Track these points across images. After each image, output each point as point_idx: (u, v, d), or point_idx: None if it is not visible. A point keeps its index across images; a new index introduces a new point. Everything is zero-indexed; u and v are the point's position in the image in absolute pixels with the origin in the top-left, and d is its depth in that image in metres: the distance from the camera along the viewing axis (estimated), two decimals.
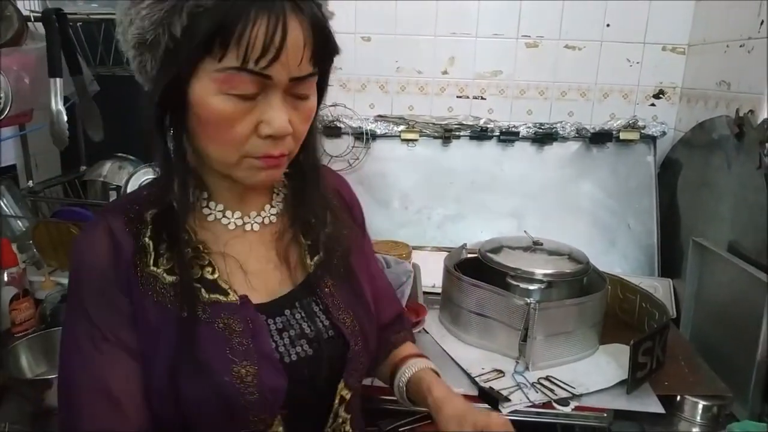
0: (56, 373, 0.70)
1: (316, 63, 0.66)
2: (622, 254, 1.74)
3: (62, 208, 1.66)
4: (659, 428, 1.08)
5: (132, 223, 0.70)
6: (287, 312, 0.75)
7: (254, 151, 0.66)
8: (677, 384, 1.15)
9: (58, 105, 1.42)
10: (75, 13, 1.54)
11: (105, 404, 0.65)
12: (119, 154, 1.74)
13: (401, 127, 1.83)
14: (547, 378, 1.17)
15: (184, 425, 0.67)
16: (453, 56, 1.82)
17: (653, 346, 1.14)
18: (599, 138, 1.77)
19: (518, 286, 1.26)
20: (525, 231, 1.46)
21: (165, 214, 0.70)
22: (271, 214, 0.79)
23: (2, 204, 1.63)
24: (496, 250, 1.38)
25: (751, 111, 1.33)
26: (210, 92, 0.62)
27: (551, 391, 1.13)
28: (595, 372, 1.19)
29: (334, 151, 1.85)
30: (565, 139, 1.80)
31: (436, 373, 0.91)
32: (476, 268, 1.35)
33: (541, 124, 1.80)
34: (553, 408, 1.09)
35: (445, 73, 1.84)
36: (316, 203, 0.80)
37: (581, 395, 1.12)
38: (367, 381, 1.01)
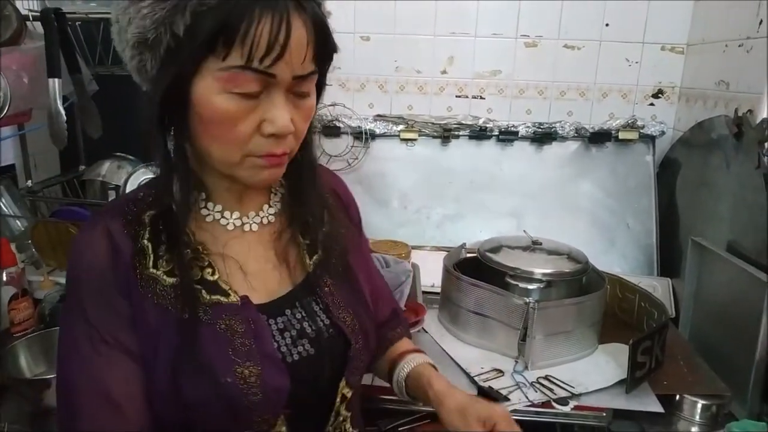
0: (55, 373, 0.70)
1: (317, 62, 0.66)
2: (621, 254, 1.74)
3: (61, 207, 1.66)
4: (658, 427, 1.08)
5: (130, 225, 0.69)
6: (288, 312, 0.75)
7: (257, 150, 0.66)
8: (676, 383, 1.16)
9: (56, 104, 1.42)
10: (74, 13, 1.54)
11: (104, 406, 0.65)
12: (118, 154, 1.74)
13: (400, 127, 1.83)
14: (546, 377, 1.17)
15: (187, 427, 0.67)
16: (452, 56, 1.82)
17: (652, 346, 1.14)
18: (598, 137, 1.77)
19: (517, 285, 1.26)
20: (524, 230, 1.46)
21: (163, 216, 0.69)
22: (270, 214, 0.78)
23: (1, 204, 1.63)
24: (496, 249, 1.38)
25: (750, 111, 1.33)
26: (213, 91, 0.62)
27: (550, 390, 1.13)
28: (594, 371, 1.20)
29: (333, 150, 1.85)
30: (564, 138, 1.80)
31: (434, 368, 0.92)
32: (475, 268, 1.35)
33: (540, 123, 1.80)
34: (553, 407, 1.09)
35: (444, 72, 1.84)
36: (314, 202, 0.80)
37: (580, 395, 1.12)
38: (366, 381, 1.01)
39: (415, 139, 1.84)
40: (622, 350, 1.18)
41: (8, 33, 1.41)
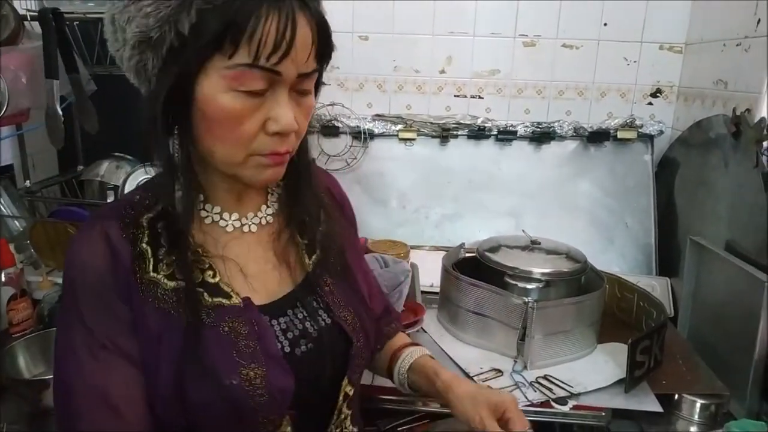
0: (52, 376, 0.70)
1: (318, 60, 0.66)
2: (619, 253, 1.74)
3: (59, 207, 1.65)
4: (657, 427, 1.08)
5: (128, 229, 0.68)
6: (289, 312, 0.75)
7: (261, 149, 0.66)
8: (675, 383, 1.16)
9: (54, 104, 1.42)
10: (72, 12, 1.54)
11: (104, 410, 0.64)
12: (116, 154, 1.74)
13: (399, 127, 1.83)
14: (545, 377, 1.17)
15: (190, 430, 0.67)
16: (450, 55, 1.82)
17: (651, 345, 1.14)
18: (597, 137, 1.77)
19: (516, 285, 1.26)
20: (523, 230, 1.46)
21: (162, 219, 0.69)
22: (268, 215, 0.78)
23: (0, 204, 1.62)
24: (494, 249, 1.38)
25: (748, 110, 1.33)
26: (219, 89, 0.62)
27: (549, 390, 1.13)
28: (593, 371, 1.20)
29: (331, 150, 1.84)
30: (562, 138, 1.80)
31: (433, 359, 0.93)
32: (474, 268, 1.35)
33: (538, 123, 1.80)
34: (552, 407, 1.09)
35: (442, 72, 1.84)
36: (311, 202, 0.80)
37: (579, 394, 1.12)
38: (366, 380, 1.01)
39: (413, 139, 1.84)
40: (621, 350, 1.18)
41: (6, 33, 1.41)
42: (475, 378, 1.16)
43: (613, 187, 1.77)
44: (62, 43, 1.45)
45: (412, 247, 1.66)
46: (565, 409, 1.09)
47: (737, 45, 1.43)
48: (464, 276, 1.30)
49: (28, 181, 1.71)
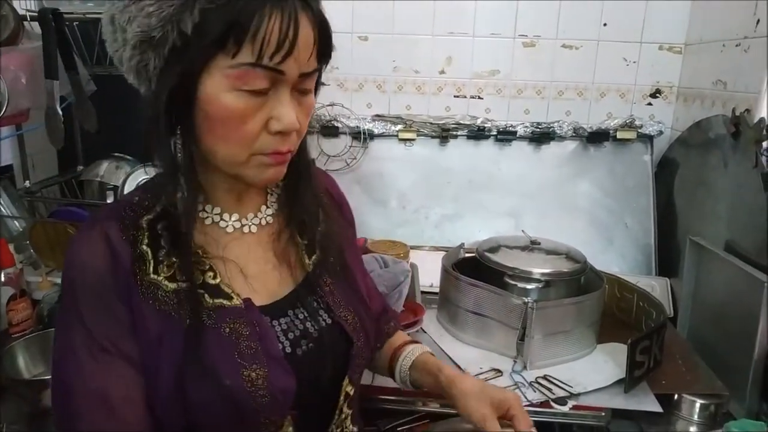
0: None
1: (320, 59, 0.67)
2: (619, 253, 1.74)
3: (59, 208, 1.65)
4: (657, 427, 1.08)
5: (127, 231, 0.68)
6: (290, 312, 0.75)
7: (264, 148, 0.66)
8: (675, 383, 1.16)
9: (55, 104, 1.42)
10: (71, 13, 1.54)
11: (103, 411, 0.64)
12: (116, 154, 1.73)
13: (399, 127, 1.83)
14: (544, 377, 1.17)
15: (191, 431, 0.67)
16: (450, 56, 1.82)
17: (651, 345, 1.14)
18: (596, 137, 1.77)
19: (516, 285, 1.26)
20: (522, 230, 1.46)
21: (162, 220, 0.69)
22: (267, 215, 0.78)
23: None
24: (494, 249, 1.38)
25: (748, 110, 1.33)
26: (222, 89, 0.62)
27: (549, 390, 1.13)
28: (592, 371, 1.20)
29: (331, 150, 1.84)
30: (562, 138, 1.80)
31: (433, 356, 0.94)
32: (474, 268, 1.35)
33: (538, 123, 1.80)
34: (551, 407, 1.09)
35: (442, 72, 1.84)
36: (310, 202, 0.80)
37: (579, 394, 1.12)
38: (366, 381, 1.01)
39: (413, 139, 1.84)
40: (620, 350, 1.18)
41: (6, 33, 1.41)
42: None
43: (613, 188, 1.78)
44: (62, 44, 1.45)
45: (412, 248, 1.66)
46: (565, 409, 1.09)
47: (737, 45, 1.43)
48: (464, 276, 1.30)
49: (27, 182, 1.71)
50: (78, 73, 1.51)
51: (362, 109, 1.88)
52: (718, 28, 1.54)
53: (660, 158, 1.78)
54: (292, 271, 0.78)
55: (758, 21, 1.34)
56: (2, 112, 1.35)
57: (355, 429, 0.83)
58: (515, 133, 1.79)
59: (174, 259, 0.68)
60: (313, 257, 0.80)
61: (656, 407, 1.09)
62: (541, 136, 1.79)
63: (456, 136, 1.83)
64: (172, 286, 0.67)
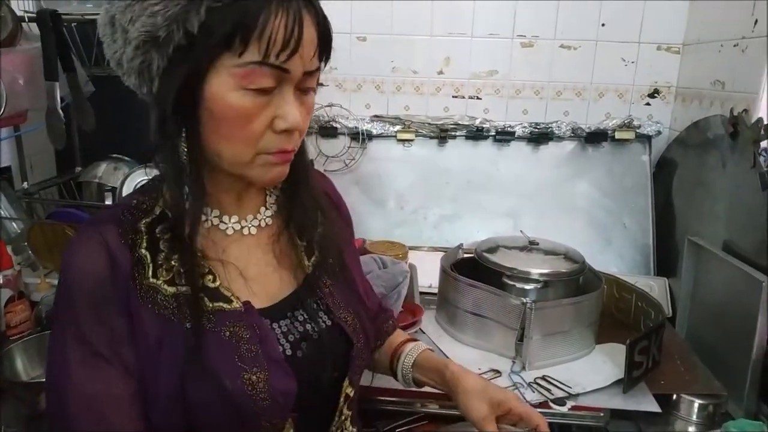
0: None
1: (321, 58, 0.67)
2: (617, 253, 1.74)
3: (57, 209, 1.65)
4: (655, 427, 1.08)
5: (126, 234, 0.67)
6: (290, 314, 0.75)
7: (269, 147, 0.66)
8: (673, 383, 1.16)
9: (55, 105, 1.41)
10: (69, 14, 1.54)
11: (97, 417, 0.63)
12: (114, 155, 1.73)
13: (397, 127, 1.83)
14: (543, 378, 1.17)
15: None
16: (448, 56, 1.82)
17: (649, 345, 1.14)
18: (595, 137, 1.77)
19: (514, 285, 1.26)
20: (521, 231, 1.46)
21: (160, 223, 0.69)
22: (267, 217, 0.78)
23: None
24: (493, 249, 1.38)
25: (746, 110, 1.33)
26: (228, 88, 0.62)
27: (548, 390, 1.13)
28: (591, 371, 1.20)
29: (330, 151, 1.84)
30: (560, 138, 1.80)
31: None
32: (472, 268, 1.35)
33: (536, 123, 1.80)
34: (550, 408, 1.09)
35: (440, 73, 1.84)
36: (308, 203, 0.80)
37: (578, 395, 1.12)
38: (365, 382, 1.01)
39: (411, 140, 1.84)
40: (619, 350, 1.18)
41: (4, 34, 1.41)
42: None
43: (611, 188, 1.78)
44: (60, 45, 1.44)
45: (411, 248, 1.66)
46: (564, 409, 1.09)
47: (735, 45, 1.43)
48: (462, 277, 1.30)
49: (25, 183, 1.71)
50: (76, 74, 1.51)
51: (361, 110, 1.88)
52: (716, 29, 1.54)
53: (658, 158, 1.78)
54: (292, 272, 0.78)
55: (756, 21, 1.34)
56: (0, 114, 1.35)
57: (355, 430, 0.83)
58: (513, 133, 1.79)
59: (173, 263, 0.68)
60: (313, 258, 0.80)
61: (655, 407, 1.09)
62: (540, 137, 1.79)
63: (454, 137, 1.83)
64: (171, 290, 0.67)
